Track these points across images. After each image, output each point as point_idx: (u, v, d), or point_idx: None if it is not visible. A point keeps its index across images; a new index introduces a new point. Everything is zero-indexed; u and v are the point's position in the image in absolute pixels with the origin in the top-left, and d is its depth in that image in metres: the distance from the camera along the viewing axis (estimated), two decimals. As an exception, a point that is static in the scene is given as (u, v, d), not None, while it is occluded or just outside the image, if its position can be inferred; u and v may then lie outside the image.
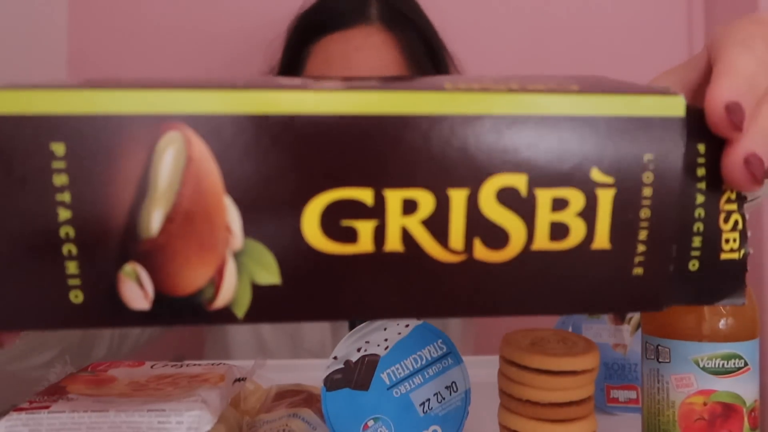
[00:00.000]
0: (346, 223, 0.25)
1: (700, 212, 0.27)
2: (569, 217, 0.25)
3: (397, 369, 0.38)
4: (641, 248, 0.26)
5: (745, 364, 0.35)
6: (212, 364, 0.42)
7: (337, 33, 0.70)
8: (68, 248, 0.24)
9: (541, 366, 0.33)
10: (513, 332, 0.37)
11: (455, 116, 0.25)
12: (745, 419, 0.35)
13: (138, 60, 0.95)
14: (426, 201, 0.25)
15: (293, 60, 0.74)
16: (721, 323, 0.35)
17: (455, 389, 0.39)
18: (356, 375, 0.38)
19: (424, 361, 0.39)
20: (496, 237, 0.25)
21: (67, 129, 0.24)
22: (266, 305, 0.25)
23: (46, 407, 0.34)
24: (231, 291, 0.25)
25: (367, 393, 0.38)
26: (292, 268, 0.25)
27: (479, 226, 0.25)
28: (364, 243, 0.25)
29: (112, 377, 0.40)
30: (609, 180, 0.25)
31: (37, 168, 0.24)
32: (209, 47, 0.96)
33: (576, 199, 0.25)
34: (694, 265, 0.28)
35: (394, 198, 0.25)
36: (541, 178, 0.25)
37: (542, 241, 0.26)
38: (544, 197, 0.25)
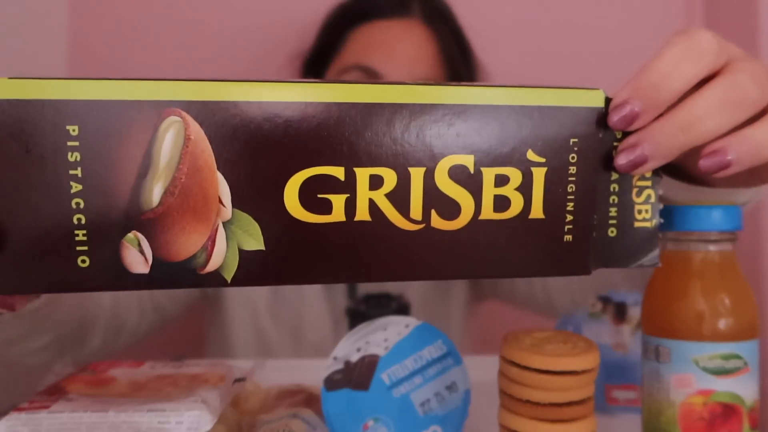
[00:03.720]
0: (322, 196, 0.29)
1: (614, 187, 0.32)
2: (509, 191, 0.30)
3: (397, 369, 0.38)
4: (569, 217, 0.31)
5: (745, 364, 0.35)
6: (212, 364, 0.42)
7: (378, 21, 0.73)
8: (78, 217, 0.27)
9: (541, 366, 0.33)
10: (513, 332, 0.37)
11: (414, 105, 0.29)
12: (745, 419, 0.35)
13: (139, 56, 0.95)
14: (390, 177, 0.29)
15: (330, 44, 0.75)
16: (721, 323, 0.35)
17: (455, 389, 0.39)
18: (356, 375, 0.38)
19: (424, 362, 0.39)
20: (450, 208, 0.30)
21: (81, 112, 0.27)
22: (251, 269, 0.29)
23: (46, 407, 0.34)
24: (221, 256, 0.29)
25: (367, 393, 0.38)
26: (275, 236, 0.29)
27: (435, 199, 0.30)
28: (337, 213, 0.29)
29: (112, 377, 0.40)
30: (542, 160, 0.30)
31: (55, 146, 0.27)
32: (209, 43, 0.96)
33: (515, 176, 0.30)
34: (612, 232, 0.32)
35: (362, 175, 0.29)
36: (486, 158, 0.30)
37: (488, 212, 0.30)
38: (488, 174, 0.30)
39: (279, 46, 0.90)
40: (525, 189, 0.30)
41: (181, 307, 0.75)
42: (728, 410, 0.35)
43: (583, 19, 1.02)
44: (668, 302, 0.36)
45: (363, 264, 0.30)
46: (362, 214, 0.29)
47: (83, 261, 0.28)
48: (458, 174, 0.30)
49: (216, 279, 0.29)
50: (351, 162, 0.29)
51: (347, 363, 0.38)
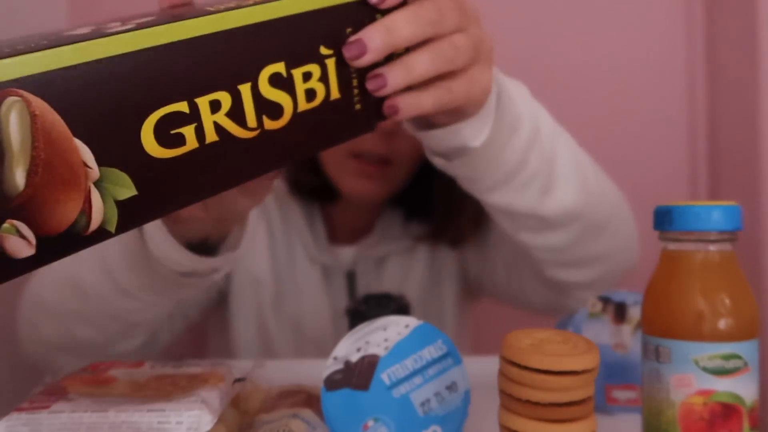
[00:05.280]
0: (175, 131, 0.31)
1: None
2: (314, 83, 0.36)
3: (397, 369, 0.38)
4: (356, 92, 0.37)
5: (745, 364, 0.35)
6: (212, 364, 0.42)
7: None
8: None
9: (541, 366, 0.33)
10: (513, 332, 0.37)
11: (219, 33, 0.32)
12: (745, 419, 0.35)
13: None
14: (225, 99, 0.33)
15: None
16: (721, 323, 0.35)
17: (455, 389, 0.39)
18: (356, 375, 0.38)
19: (424, 362, 0.39)
20: (276, 110, 0.35)
21: None
22: (131, 214, 0.31)
23: (46, 407, 0.34)
24: (100, 214, 0.30)
25: (367, 393, 0.38)
26: (143, 179, 0.31)
27: (263, 106, 0.34)
28: (191, 142, 0.32)
29: (112, 377, 0.40)
30: (330, 52, 0.36)
31: None
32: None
33: (316, 70, 0.36)
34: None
35: (203, 103, 0.32)
36: (293, 61, 0.35)
37: (302, 105, 0.35)
38: (297, 74, 0.35)
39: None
40: (324, 78, 0.36)
41: (202, 312, 0.75)
42: (728, 410, 0.35)
43: (582, 18, 1.02)
44: (668, 302, 0.36)
45: (222, 176, 0.34)
46: (211, 136, 0.33)
47: None
48: (276, 80, 0.34)
49: (102, 234, 0.30)
50: (190, 95, 0.32)
51: (347, 363, 0.38)
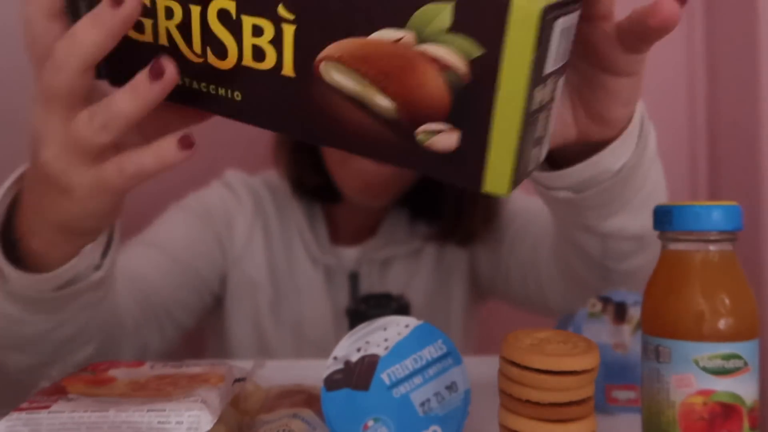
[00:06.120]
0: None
1: None
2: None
3: (397, 369, 0.38)
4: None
5: (745, 364, 0.35)
6: (212, 364, 0.42)
7: None
8: None
9: (541, 366, 0.33)
10: (513, 332, 0.37)
11: None
12: (745, 419, 0.35)
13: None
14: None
15: None
16: (721, 323, 0.35)
17: (455, 389, 0.39)
18: (356, 375, 0.38)
19: (424, 362, 0.39)
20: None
21: None
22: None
23: (46, 407, 0.34)
24: None
25: (367, 393, 0.38)
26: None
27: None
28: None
29: (112, 377, 0.40)
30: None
31: None
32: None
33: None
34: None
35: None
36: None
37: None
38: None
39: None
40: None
41: (197, 317, 0.74)
42: (728, 410, 0.35)
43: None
44: (668, 302, 0.36)
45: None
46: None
47: None
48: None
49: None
50: None
51: (347, 363, 0.38)
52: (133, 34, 0.35)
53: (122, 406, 0.34)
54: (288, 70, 0.33)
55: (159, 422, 0.33)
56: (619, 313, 0.50)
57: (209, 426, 0.33)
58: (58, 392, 0.37)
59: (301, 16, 0.31)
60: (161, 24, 0.34)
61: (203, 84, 0.35)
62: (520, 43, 0.28)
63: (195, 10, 0.33)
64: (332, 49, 0.31)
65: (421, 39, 0.30)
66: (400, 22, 0.30)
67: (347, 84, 0.32)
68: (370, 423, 0.38)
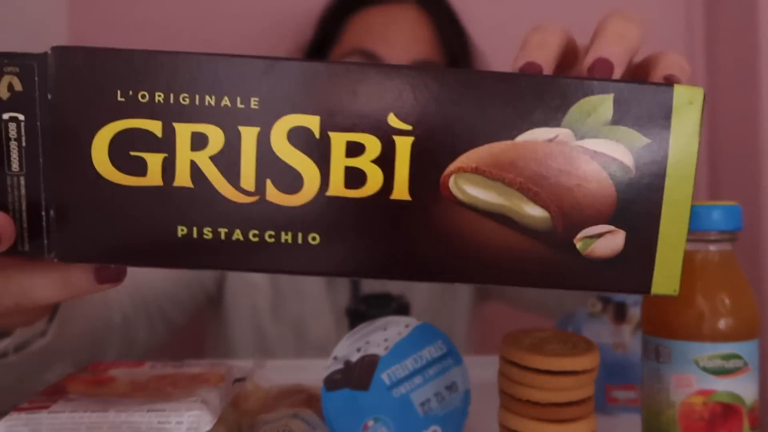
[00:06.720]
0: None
1: None
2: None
3: (397, 369, 0.38)
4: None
5: (745, 364, 0.35)
6: (212, 364, 0.42)
7: (376, 7, 0.75)
8: None
9: (541, 366, 0.33)
10: (513, 332, 0.37)
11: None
12: (745, 419, 0.35)
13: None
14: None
15: (329, 32, 0.78)
16: (721, 323, 0.35)
17: (455, 389, 0.39)
18: (356, 375, 0.38)
19: (424, 361, 0.39)
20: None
21: None
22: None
23: (46, 407, 0.34)
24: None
25: (367, 393, 0.38)
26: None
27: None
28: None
29: (112, 377, 0.40)
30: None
31: None
32: (209, 42, 0.96)
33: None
34: None
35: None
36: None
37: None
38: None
39: (279, 42, 0.90)
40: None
41: (189, 315, 0.75)
42: (728, 410, 0.35)
43: (582, 17, 1.02)
44: (668, 302, 0.36)
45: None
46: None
47: None
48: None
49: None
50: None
51: (347, 363, 0.38)
52: (124, 179, 0.25)
53: (122, 406, 0.34)
54: (400, 192, 0.25)
55: (159, 422, 0.33)
56: (619, 313, 0.50)
57: (209, 426, 0.33)
58: (58, 392, 0.37)
59: (421, 124, 0.25)
60: (182, 157, 0.25)
61: (254, 231, 0.26)
62: (687, 125, 0.26)
63: (248, 133, 0.25)
64: (465, 159, 0.26)
65: (580, 135, 0.26)
66: (556, 121, 0.26)
67: (487, 198, 0.26)
68: (370, 423, 0.38)
